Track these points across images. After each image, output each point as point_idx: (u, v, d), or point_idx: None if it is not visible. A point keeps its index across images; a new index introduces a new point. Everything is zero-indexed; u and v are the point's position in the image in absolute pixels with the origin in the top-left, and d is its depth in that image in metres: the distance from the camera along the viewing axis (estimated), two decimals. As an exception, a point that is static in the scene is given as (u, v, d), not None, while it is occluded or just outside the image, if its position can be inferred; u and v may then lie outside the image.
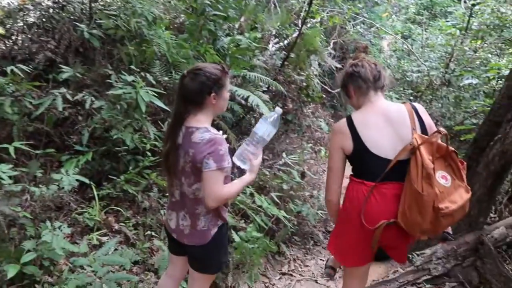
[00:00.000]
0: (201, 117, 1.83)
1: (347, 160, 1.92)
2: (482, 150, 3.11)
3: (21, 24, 4.00)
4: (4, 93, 3.08)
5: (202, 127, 1.80)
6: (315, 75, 6.48)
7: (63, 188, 2.65)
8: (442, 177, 1.74)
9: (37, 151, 3.09)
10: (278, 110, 1.92)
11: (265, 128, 1.87)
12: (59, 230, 2.40)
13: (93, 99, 3.08)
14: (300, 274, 3.37)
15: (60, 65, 3.33)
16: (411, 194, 1.71)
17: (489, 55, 6.51)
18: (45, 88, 3.45)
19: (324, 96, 6.86)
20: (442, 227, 1.76)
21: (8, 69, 3.08)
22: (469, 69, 6.23)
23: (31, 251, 2.32)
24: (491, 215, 3.94)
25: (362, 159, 1.84)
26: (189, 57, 4.05)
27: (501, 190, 3.99)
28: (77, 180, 2.77)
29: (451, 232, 1.97)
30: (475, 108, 4.98)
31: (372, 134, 1.82)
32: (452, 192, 1.73)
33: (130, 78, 3.11)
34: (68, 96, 3.08)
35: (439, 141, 1.80)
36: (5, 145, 2.80)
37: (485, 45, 6.48)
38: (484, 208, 3.10)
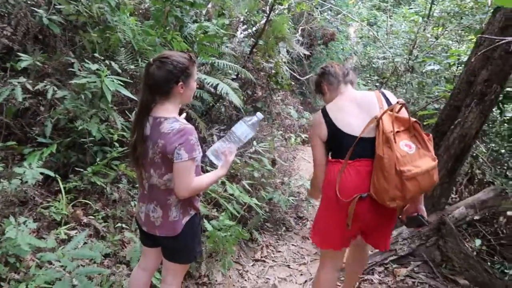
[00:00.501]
0: (168, 107, 1.80)
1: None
2: (443, 134, 3.24)
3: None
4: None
5: (170, 117, 1.77)
6: (284, 62, 6.49)
7: (26, 182, 2.55)
8: (405, 145, 1.84)
9: (-2, 144, 2.95)
10: (259, 115, 1.98)
11: (243, 129, 1.93)
12: (24, 226, 2.32)
13: (55, 88, 2.95)
14: (273, 260, 3.42)
15: (18, 53, 3.15)
16: (376, 161, 1.84)
17: (450, 42, 6.75)
18: (2, 78, 3.28)
19: (293, 83, 6.90)
20: (410, 193, 1.80)
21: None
22: (431, 55, 6.44)
23: (-5, 249, 2.24)
24: (452, 196, 4.15)
25: (336, 140, 1.98)
26: (156, 45, 3.95)
27: (461, 172, 4.20)
28: (41, 173, 2.68)
29: (425, 217, 2.06)
30: (436, 93, 5.17)
31: (343, 116, 1.99)
32: (416, 159, 1.82)
33: (94, 67, 3.00)
34: (28, 86, 2.93)
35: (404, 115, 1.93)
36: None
37: (446, 32, 6.71)
38: (445, 189, 3.26)
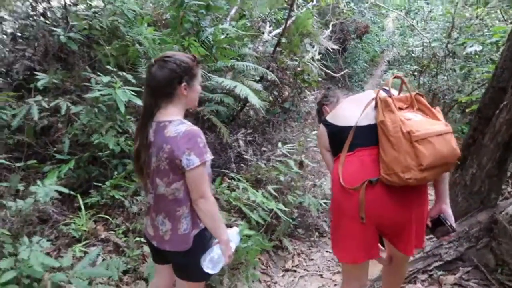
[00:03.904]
0: (172, 110, 1.67)
1: None
2: (487, 120, 2.85)
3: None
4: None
5: (175, 119, 1.64)
6: (313, 59, 6.24)
7: (45, 200, 2.52)
8: (410, 114, 1.64)
9: (18, 164, 2.98)
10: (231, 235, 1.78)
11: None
12: (38, 245, 2.27)
13: (69, 104, 2.94)
14: (304, 269, 3.19)
15: (36, 73, 3.19)
16: (379, 130, 1.63)
17: (496, 22, 6.14)
18: (25, 98, 3.34)
19: (323, 80, 6.62)
20: (427, 159, 1.51)
21: (-20, 82, 2.96)
22: (473, 37, 5.90)
23: (11, 270, 2.21)
24: (504, 190, 3.68)
25: (335, 138, 1.82)
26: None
27: (513, 162, 3.72)
28: (60, 190, 2.64)
29: (450, 221, 1.75)
30: (478, 76, 4.68)
31: (339, 114, 1.85)
32: (425, 123, 1.60)
33: (106, 79, 2.95)
34: (44, 104, 2.94)
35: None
36: (-20, 161, 2.69)
37: (487, 10, 6.12)
38: (495, 183, 2.86)
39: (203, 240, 1.76)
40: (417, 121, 1.58)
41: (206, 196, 1.63)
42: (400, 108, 1.65)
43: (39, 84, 3.03)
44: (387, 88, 1.76)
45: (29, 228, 2.74)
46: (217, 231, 1.70)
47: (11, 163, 2.98)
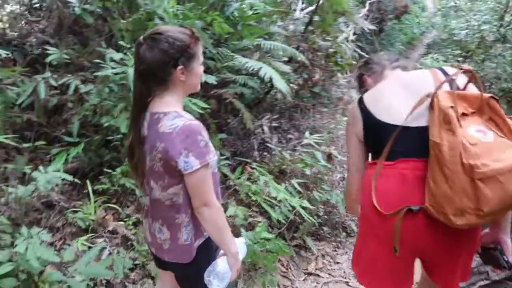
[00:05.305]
0: (168, 99, 1.37)
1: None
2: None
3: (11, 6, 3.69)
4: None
5: (171, 111, 1.34)
6: (347, 40, 5.77)
7: (46, 188, 2.31)
8: (477, 131, 1.20)
9: (26, 145, 2.79)
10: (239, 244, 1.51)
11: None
12: (37, 237, 2.07)
13: (78, 83, 2.69)
14: (329, 274, 2.90)
15: (46, 47, 2.96)
16: (432, 153, 1.22)
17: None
18: (36, 74, 3.13)
19: (357, 62, 6.15)
20: (489, 203, 1.12)
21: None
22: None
23: (8, 262, 2.03)
24: None
25: (374, 135, 1.43)
26: (195, 28, 3.57)
27: None
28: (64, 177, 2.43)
29: (508, 255, 1.37)
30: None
31: (383, 103, 1.43)
32: (495, 149, 1.16)
33: (117, 56, 2.68)
34: (52, 81, 2.71)
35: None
36: (-16, 140, 2.50)
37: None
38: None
39: (208, 251, 1.50)
40: (485, 147, 1.16)
41: (210, 203, 1.34)
42: (463, 114, 1.23)
43: (49, 59, 2.79)
44: (447, 69, 1.38)
45: (34, 214, 2.56)
46: (224, 243, 1.42)
47: (18, 144, 2.80)
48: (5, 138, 2.55)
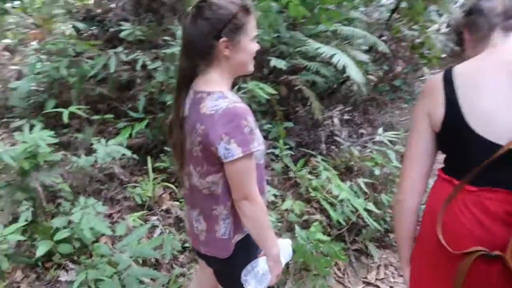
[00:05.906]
0: (212, 77, 1.22)
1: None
2: None
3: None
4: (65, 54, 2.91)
5: (215, 91, 1.19)
6: (438, 31, 5.20)
7: (105, 161, 2.35)
8: None
9: (96, 117, 2.88)
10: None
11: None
12: (92, 208, 2.10)
13: (145, 59, 2.69)
14: (390, 286, 2.60)
15: (120, 23, 3.02)
16: None
17: None
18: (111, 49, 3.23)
19: (447, 57, 5.55)
20: None
21: (69, 27, 2.88)
22: None
23: (64, 229, 2.09)
24: None
25: (456, 141, 1.05)
26: (270, 11, 3.41)
27: None
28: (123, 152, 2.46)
29: None
30: None
31: (480, 100, 1.00)
32: None
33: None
34: (123, 56, 2.74)
35: None
36: (59, 109, 2.62)
37: None
38: None
39: (248, 249, 1.35)
40: None
41: (252, 197, 1.18)
42: None
43: (121, 35, 2.84)
44: None
45: (97, 185, 2.63)
46: (265, 243, 1.26)
47: (89, 116, 2.90)
48: (78, 109, 2.64)
